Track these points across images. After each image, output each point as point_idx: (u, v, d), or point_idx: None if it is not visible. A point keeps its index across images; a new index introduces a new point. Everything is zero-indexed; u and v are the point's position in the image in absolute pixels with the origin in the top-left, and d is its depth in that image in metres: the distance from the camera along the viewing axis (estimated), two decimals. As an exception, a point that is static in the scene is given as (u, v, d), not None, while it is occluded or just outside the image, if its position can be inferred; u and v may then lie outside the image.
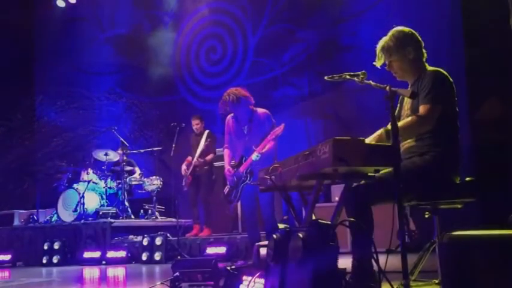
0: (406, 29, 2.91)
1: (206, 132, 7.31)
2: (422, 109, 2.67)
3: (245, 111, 4.79)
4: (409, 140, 2.80)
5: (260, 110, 4.86)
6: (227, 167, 4.87)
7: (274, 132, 4.49)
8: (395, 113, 2.71)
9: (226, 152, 4.98)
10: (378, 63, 2.93)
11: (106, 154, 8.31)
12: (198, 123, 7.40)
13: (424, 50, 2.93)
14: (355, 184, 2.60)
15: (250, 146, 4.70)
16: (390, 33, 2.89)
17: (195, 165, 7.08)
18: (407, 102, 2.88)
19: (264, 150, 4.58)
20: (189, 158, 7.23)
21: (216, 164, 7.22)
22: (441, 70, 2.84)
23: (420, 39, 2.93)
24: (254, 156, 4.58)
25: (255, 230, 4.86)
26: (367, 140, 2.57)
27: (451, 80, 2.80)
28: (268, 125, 4.73)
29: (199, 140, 7.25)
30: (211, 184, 7.18)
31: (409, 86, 2.91)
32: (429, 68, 2.88)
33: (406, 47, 2.85)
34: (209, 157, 7.17)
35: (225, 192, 4.88)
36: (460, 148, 2.80)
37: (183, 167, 7.12)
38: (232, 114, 4.94)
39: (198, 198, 7.15)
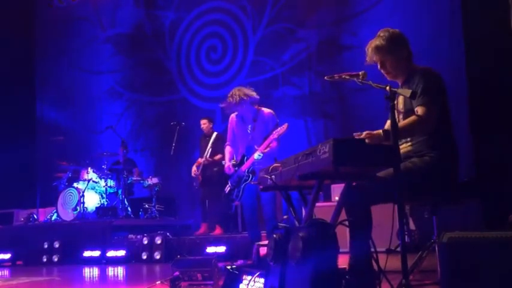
0: (395, 30, 2.93)
1: (215, 134, 7.36)
2: (421, 110, 2.66)
3: (249, 110, 4.80)
4: (404, 144, 2.79)
5: (265, 110, 4.89)
6: (228, 163, 4.87)
7: (277, 132, 4.49)
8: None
9: (227, 149, 4.99)
10: (370, 62, 2.93)
11: (106, 153, 8.31)
12: (205, 123, 7.47)
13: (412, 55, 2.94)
14: (354, 184, 2.60)
15: (252, 144, 4.71)
16: (381, 33, 2.89)
17: (204, 164, 7.10)
18: (400, 102, 2.88)
19: (266, 150, 4.58)
20: (200, 159, 7.29)
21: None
22: (430, 68, 2.83)
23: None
24: (256, 155, 4.58)
25: (255, 229, 4.86)
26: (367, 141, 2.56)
27: (441, 77, 2.81)
28: (272, 125, 4.74)
29: (207, 141, 7.30)
30: (222, 185, 7.21)
31: (400, 85, 2.90)
32: (417, 66, 2.88)
33: (400, 47, 2.87)
34: (218, 157, 7.20)
35: (226, 191, 4.88)
36: (457, 147, 2.80)
37: (193, 168, 7.18)
38: (236, 113, 4.95)
39: (208, 198, 7.18)
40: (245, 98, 4.69)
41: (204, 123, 7.48)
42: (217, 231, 7.10)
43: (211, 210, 7.22)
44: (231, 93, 4.78)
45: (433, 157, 2.68)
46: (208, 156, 7.14)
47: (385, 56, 2.86)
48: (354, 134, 2.53)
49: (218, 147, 7.15)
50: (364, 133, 2.50)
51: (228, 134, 5.04)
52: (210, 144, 7.20)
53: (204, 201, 7.25)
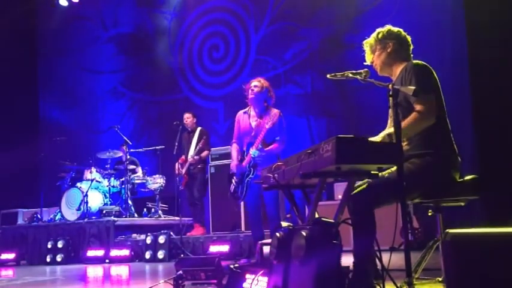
0: (394, 28, 2.99)
1: (199, 129, 7.32)
2: (419, 107, 2.65)
3: (261, 103, 4.82)
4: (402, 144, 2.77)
5: (273, 110, 4.92)
6: (235, 161, 4.86)
7: (271, 120, 4.51)
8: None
9: (234, 147, 4.97)
10: (370, 54, 3.01)
11: (109, 153, 8.33)
12: (189, 117, 7.39)
13: (410, 52, 2.96)
14: (357, 189, 2.59)
15: (254, 142, 4.72)
16: (378, 29, 3.00)
17: (191, 163, 7.08)
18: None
19: (267, 149, 4.59)
20: (183, 157, 7.24)
21: (215, 162, 7.23)
22: (418, 61, 2.83)
23: (408, 39, 2.97)
24: (252, 152, 4.58)
25: (258, 228, 4.86)
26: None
27: (430, 67, 2.80)
28: (275, 124, 4.76)
29: (191, 138, 7.25)
30: (205, 182, 7.21)
31: (394, 79, 2.91)
32: (408, 61, 2.88)
33: (386, 40, 2.93)
34: (204, 154, 7.19)
35: (232, 190, 4.88)
36: (455, 144, 2.78)
37: (177, 166, 7.13)
38: (243, 110, 4.98)
39: (195, 197, 7.17)
40: (269, 87, 4.84)
41: (188, 118, 7.39)
42: (199, 230, 7.08)
43: (197, 209, 7.21)
44: (258, 79, 4.91)
45: (434, 156, 2.66)
46: (194, 154, 7.10)
47: (385, 41, 2.93)
48: None
49: (204, 144, 7.13)
50: None
51: (235, 132, 5.04)
52: (195, 141, 7.16)
53: (192, 201, 7.23)
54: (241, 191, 4.75)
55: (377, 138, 2.59)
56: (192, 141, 7.25)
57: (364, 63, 3.01)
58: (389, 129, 2.65)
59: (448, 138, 2.76)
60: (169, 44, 10.03)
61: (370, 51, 3.00)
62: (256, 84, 4.83)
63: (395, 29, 2.99)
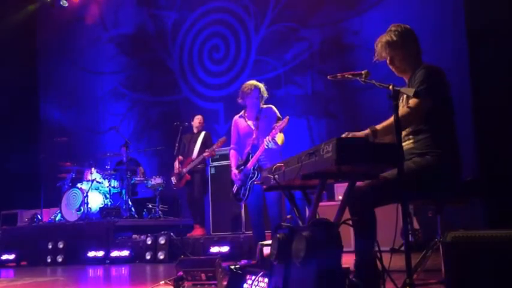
0: (406, 25, 2.92)
1: (203, 132, 7.32)
2: (412, 102, 2.66)
3: (256, 104, 4.85)
4: (407, 142, 2.77)
5: (265, 106, 4.94)
6: (234, 170, 4.87)
7: (278, 126, 4.51)
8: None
9: (232, 153, 4.98)
10: (379, 59, 2.91)
11: (109, 153, 8.33)
12: (200, 121, 7.40)
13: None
14: (358, 186, 2.59)
15: (257, 143, 4.72)
16: (393, 28, 2.89)
17: (212, 155, 7.02)
18: (403, 100, 2.86)
19: (276, 138, 4.58)
20: (180, 157, 7.23)
21: (216, 163, 7.22)
22: (434, 65, 2.82)
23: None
24: (265, 142, 4.56)
25: (260, 229, 4.86)
26: (378, 127, 2.59)
27: (443, 75, 2.79)
28: (273, 118, 4.77)
29: (195, 138, 7.25)
30: (205, 183, 7.20)
31: (407, 81, 2.90)
32: (423, 63, 2.86)
33: (410, 42, 2.86)
34: (206, 154, 7.17)
35: (234, 192, 4.88)
36: (459, 145, 2.79)
37: (176, 164, 7.12)
38: (238, 115, 4.98)
39: (195, 197, 7.17)
40: (258, 87, 4.83)
41: (200, 121, 7.40)
42: (198, 231, 7.07)
43: (200, 210, 7.22)
44: (245, 84, 4.90)
45: (435, 156, 2.66)
46: (196, 154, 7.07)
47: (395, 51, 2.84)
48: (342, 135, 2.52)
49: (206, 147, 7.13)
50: (346, 133, 2.53)
51: (232, 137, 5.03)
52: (199, 143, 7.16)
53: (192, 202, 7.23)
54: (243, 193, 4.75)
55: (384, 123, 2.60)
56: (196, 142, 7.24)
57: (375, 61, 2.93)
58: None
59: (451, 139, 2.76)
60: (169, 45, 10.03)
61: (390, 51, 2.85)
62: (254, 91, 4.81)
63: (408, 26, 2.90)
